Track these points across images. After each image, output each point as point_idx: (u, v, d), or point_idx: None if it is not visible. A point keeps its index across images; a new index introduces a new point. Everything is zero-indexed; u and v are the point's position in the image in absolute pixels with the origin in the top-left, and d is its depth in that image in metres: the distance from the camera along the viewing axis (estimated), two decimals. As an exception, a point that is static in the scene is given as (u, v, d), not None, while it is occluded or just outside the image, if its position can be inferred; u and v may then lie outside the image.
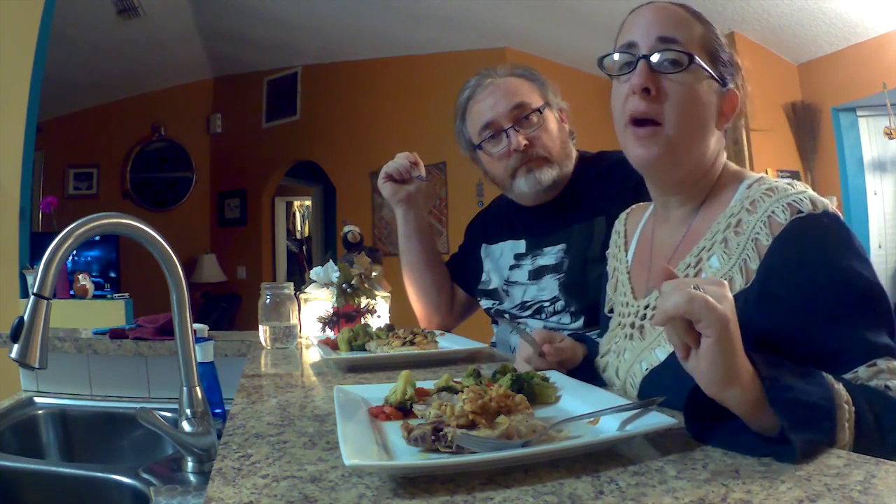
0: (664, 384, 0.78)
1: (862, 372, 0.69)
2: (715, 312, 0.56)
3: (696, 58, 0.81)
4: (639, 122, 0.83)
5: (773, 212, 0.77)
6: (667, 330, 0.60)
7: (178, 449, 0.98)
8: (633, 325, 0.93)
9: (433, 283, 1.64)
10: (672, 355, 0.77)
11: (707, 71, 0.82)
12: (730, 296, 0.59)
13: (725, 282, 0.59)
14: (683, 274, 0.86)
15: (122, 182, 5.99)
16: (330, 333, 1.48)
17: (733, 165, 0.91)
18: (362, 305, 1.55)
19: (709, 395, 0.59)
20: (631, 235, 1.05)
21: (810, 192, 0.78)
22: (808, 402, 0.58)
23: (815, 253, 0.74)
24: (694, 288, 0.57)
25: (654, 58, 0.81)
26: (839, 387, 0.62)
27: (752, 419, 0.59)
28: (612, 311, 1.02)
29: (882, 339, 0.71)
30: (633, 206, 1.11)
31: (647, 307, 0.91)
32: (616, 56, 0.85)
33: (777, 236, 0.76)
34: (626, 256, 1.03)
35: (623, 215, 1.11)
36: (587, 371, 0.99)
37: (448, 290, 1.67)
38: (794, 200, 0.76)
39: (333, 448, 0.63)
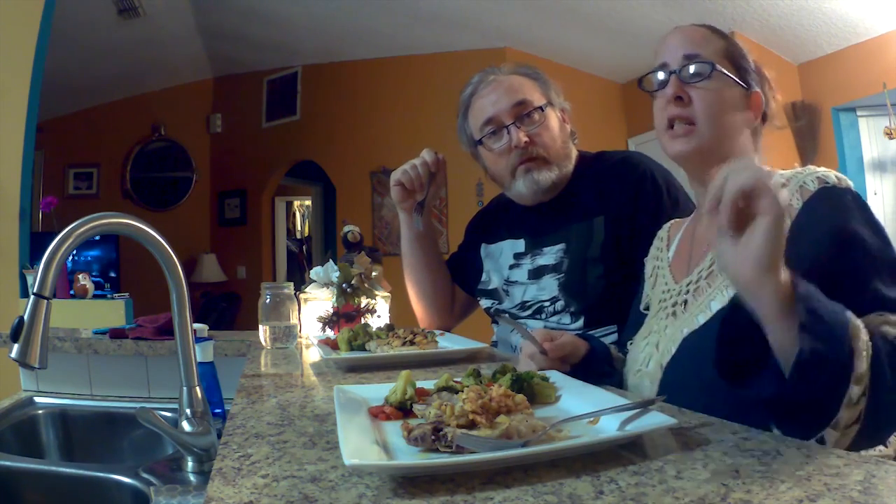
0: (700, 344, 0.86)
1: (872, 318, 0.74)
2: (774, 198, 0.62)
3: (718, 66, 0.95)
4: (676, 123, 0.97)
5: (804, 182, 0.88)
6: (721, 211, 0.64)
7: (178, 449, 0.98)
8: (675, 304, 1.01)
9: (434, 285, 1.64)
10: (712, 318, 0.88)
11: (729, 77, 0.96)
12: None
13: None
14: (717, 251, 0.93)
15: (122, 182, 5.98)
16: (330, 333, 1.48)
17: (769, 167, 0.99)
18: (362, 305, 1.55)
19: (748, 283, 0.65)
20: (672, 239, 1.15)
21: (836, 172, 0.89)
22: (827, 314, 0.63)
23: (838, 217, 0.83)
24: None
25: (683, 72, 0.96)
26: (857, 322, 0.66)
27: (778, 323, 0.64)
28: (647, 308, 1.11)
29: (893, 295, 0.76)
30: (674, 220, 1.21)
31: (688, 283, 0.99)
32: (654, 75, 1.00)
33: (806, 200, 0.86)
34: (668, 255, 1.12)
35: (666, 226, 1.21)
36: (589, 367, 1.00)
37: (449, 292, 1.67)
38: (822, 174, 0.88)
39: (333, 448, 0.63)
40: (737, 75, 0.97)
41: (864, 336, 0.65)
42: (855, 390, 0.63)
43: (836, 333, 0.63)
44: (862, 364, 0.63)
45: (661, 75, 0.99)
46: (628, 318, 1.18)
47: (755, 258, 0.63)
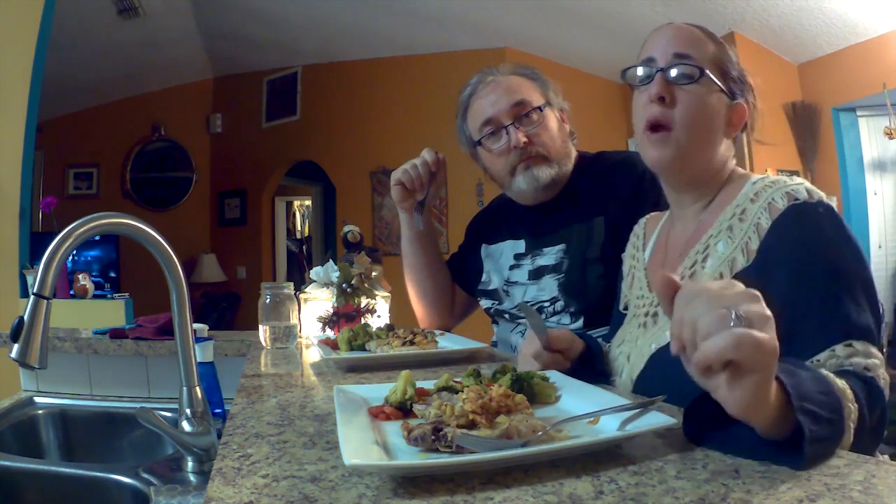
0: (668, 360, 0.80)
1: (839, 350, 0.74)
2: (764, 351, 0.50)
3: (707, 72, 0.91)
4: (654, 127, 0.93)
5: (773, 199, 0.85)
6: (692, 366, 0.52)
7: (178, 449, 0.98)
8: (646, 314, 0.99)
9: (435, 286, 1.64)
10: None
11: (717, 84, 0.92)
12: (766, 307, 0.52)
13: (758, 293, 0.53)
14: (692, 262, 0.92)
15: (122, 182, 5.98)
16: (330, 333, 1.48)
17: (741, 169, 0.99)
18: (362, 305, 1.55)
19: (733, 416, 0.54)
20: (649, 237, 1.12)
21: (807, 183, 0.87)
22: (825, 415, 0.56)
23: (808, 237, 0.81)
24: (732, 312, 0.50)
25: (671, 71, 0.92)
26: (842, 384, 0.63)
27: (768, 430, 0.56)
28: (626, 308, 1.09)
29: (862, 320, 0.76)
30: (651, 214, 1.18)
31: None
32: (638, 70, 0.96)
33: (775, 220, 0.84)
34: (644, 255, 1.09)
35: (642, 221, 1.18)
36: (586, 365, 1.01)
37: (449, 293, 1.67)
38: (791, 189, 0.85)
39: (333, 448, 0.63)
40: (723, 83, 0.93)
41: (850, 405, 0.63)
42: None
43: (835, 428, 0.57)
44: (849, 437, 0.62)
45: (646, 70, 0.95)
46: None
47: (742, 405, 0.52)
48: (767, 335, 0.50)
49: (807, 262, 0.79)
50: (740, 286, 0.54)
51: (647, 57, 0.94)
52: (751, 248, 0.85)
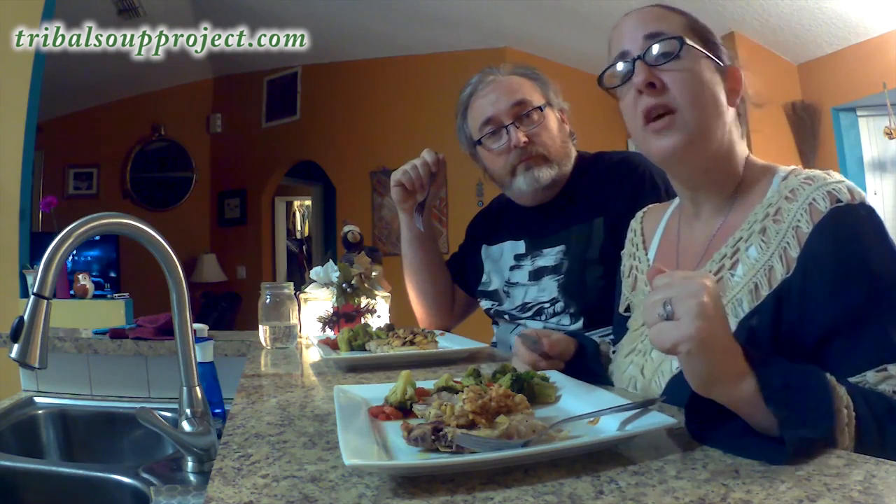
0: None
1: (870, 377, 0.69)
2: (680, 340, 0.57)
3: (686, 40, 0.83)
4: (653, 117, 0.84)
5: (813, 199, 0.77)
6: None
7: (178, 449, 0.98)
8: None
9: (434, 286, 1.63)
10: None
11: (701, 51, 0.84)
12: (712, 290, 0.58)
13: (711, 275, 0.57)
14: (717, 267, 0.84)
15: (122, 182, 5.98)
16: (330, 333, 1.48)
17: (759, 160, 0.91)
18: (362, 305, 1.55)
19: (697, 391, 0.60)
20: (650, 235, 1.04)
21: (848, 182, 0.79)
22: (803, 399, 0.57)
23: (849, 246, 0.74)
24: (662, 306, 0.58)
25: (647, 55, 0.83)
26: (840, 389, 0.62)
27: (749, 416, 0.59)
28: (628, 309, 1.03)
29: None
30: (650, 206, 1.10)
31: None
32: (615, 68, 0.88)
33: (817, 224, 0.76)
34: (647, 256, 1.02)
35: (639, 215, 1.10)
36: (578, 365, 1.00)
37: (449, 294, 1.67)
38: (833, 189, 0.77)
39: (333, 448, 0.63)
40: (707, 49, 0.84)
41: (844, 409, 0.60)
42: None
43: (821, 425, 0.57)
44: (845, 438, 0.60)
45: (622, 66, 0.86)
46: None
47: (690, 378, 0.59)
48: (684, 327, 0.56)
49: (845, 276, 0.73)
50: (701, 277, 0.58)
51: (620, 52, 0.87)
52: (790, 255, 0.77)
